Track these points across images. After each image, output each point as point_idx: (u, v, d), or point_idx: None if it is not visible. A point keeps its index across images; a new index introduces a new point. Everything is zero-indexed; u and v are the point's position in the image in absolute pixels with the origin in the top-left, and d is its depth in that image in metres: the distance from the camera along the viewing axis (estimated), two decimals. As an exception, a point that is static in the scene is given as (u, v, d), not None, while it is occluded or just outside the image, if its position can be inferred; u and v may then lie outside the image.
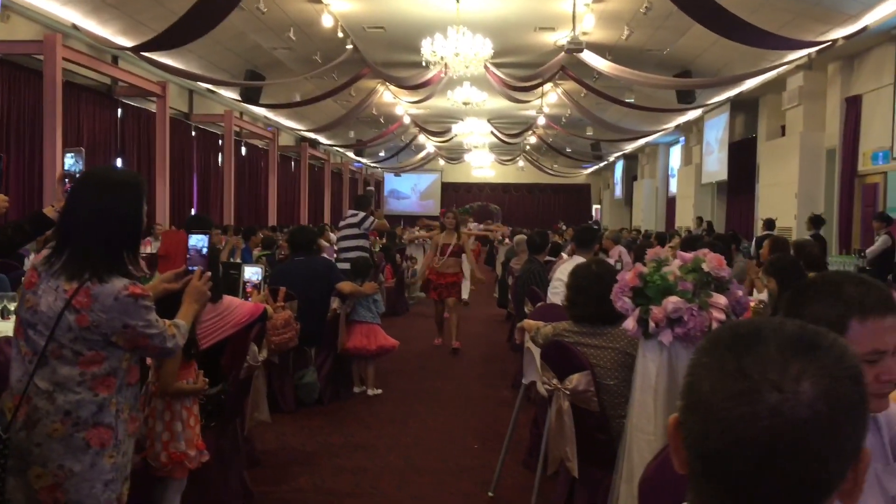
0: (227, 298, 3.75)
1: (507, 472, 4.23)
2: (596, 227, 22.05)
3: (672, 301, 2.63)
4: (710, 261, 2.70)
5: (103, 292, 2.06)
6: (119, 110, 12.72)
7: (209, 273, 2.48)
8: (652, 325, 2.68)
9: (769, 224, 11.66)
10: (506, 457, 4.11)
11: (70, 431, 2.10)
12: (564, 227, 19.70)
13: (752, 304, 3.71)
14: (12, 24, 9.42)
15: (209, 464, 3.23)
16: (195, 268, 2.47)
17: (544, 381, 3.24)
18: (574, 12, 10.47)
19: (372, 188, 25.74)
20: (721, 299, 2.65)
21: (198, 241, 2.50)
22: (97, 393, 2.12)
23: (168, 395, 3.07)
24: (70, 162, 2.57)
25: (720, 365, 0.82)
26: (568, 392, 3.08)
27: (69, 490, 2.10)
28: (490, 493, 3.97)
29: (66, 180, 2.47)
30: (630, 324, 2.75)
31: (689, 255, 2.77)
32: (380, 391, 6.06)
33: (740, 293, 2.72)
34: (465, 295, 10.03)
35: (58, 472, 2.09)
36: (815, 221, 10.34)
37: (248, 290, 4.42)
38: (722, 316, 2.63)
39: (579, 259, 5.45)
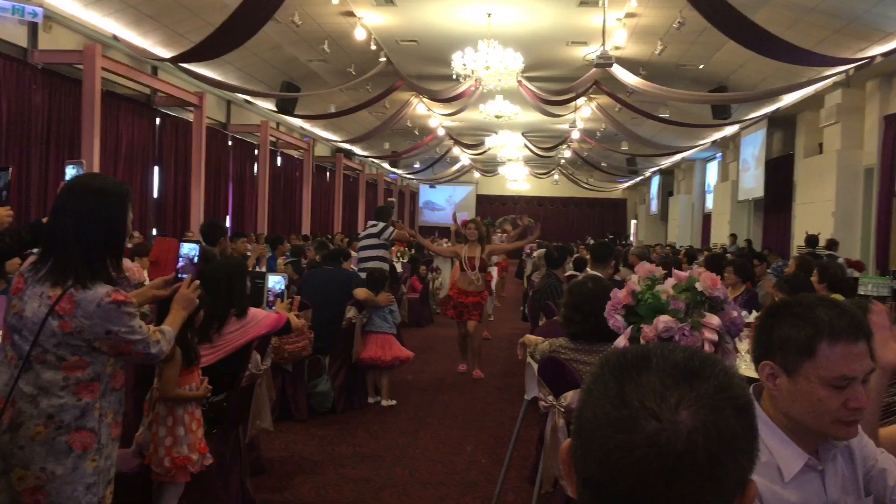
0: (252, 311, 3.81)
1: (511, 488, 4.21)
2: (625, 242, 21.84)
3: (663, 320, 2.60)
4: (704, 280, 2.66)
5: (86, 299, 2.11)
6: (157, 120, 13.00)
7: (198, 281, 2.52)
8: (643, 344, 2.65)
9: (811, 241, 11.28)
10: (509, 472, 4.08)
11: (52, 435, 2.14)
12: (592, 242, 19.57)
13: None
14: (54, 34, 9.70)
15: (209, 470, 3.27)
16: (185, 275, 2.51)
17: (540, 397, 3.22)
18: (604, 27, 10.43)
19: (393, 200, 25.80)
20: (714, 319, 2.61)
21: (190, 248, 2.55)
22: (80, 397, 2.16)
23: (169, 400, 3.12)
24: (71, 173, 2.63)
25: (604, 391, 0.81)
26: (562, 409, 3.06)
27: (51, 492, 2.14)
28: (491, 509, 3.95)
29: None
30: (622, 342, 2.72)
31: (683, 274, 2.74)
32: (394, 402, 6.08)
33: (735, 314, 2.68)
34: (488, 308, 9.88)
35: (40, 475, 2.13)
36: (809, 241, 10.29)
37: (271, 299, 4.43)
38: (714, 336, 2.59)
39: (595, 274, 5.42)
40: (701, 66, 13.36)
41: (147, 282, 2.85)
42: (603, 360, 0.85)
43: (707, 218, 22.02)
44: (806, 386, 1.50)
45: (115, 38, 10.62)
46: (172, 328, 2.40)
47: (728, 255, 11.78)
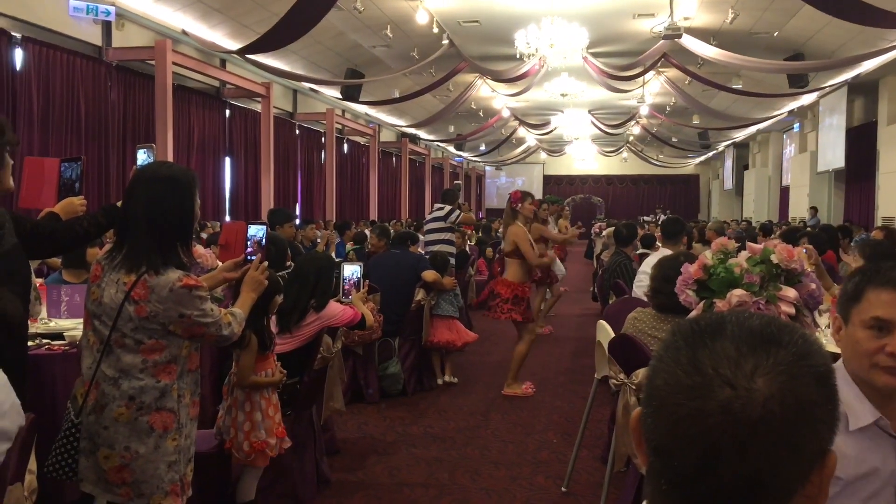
0: (331, 306, 3.87)
1: (584, 467, 4.18)
2: (695, 221, 21.26)
3: (737, 294, 2.52)
4: (780, 252, 2.56)
5: (159, 284, 2.17)
6: (227, 111, 13.31)
7: (266, 263, 2.57)
8: (716, 319, 2.57)
9: None
10: (580, 451, 4.06)
11: (135, 415, 2.22)
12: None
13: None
14: (126, 31, 10.02)
15: (285, 450, 3.34)
16: (254, 257, 2.56)
17: (611, 375, 3.17)
18: (671, -3, 10.14)
19: (459, 182, 25.69)
20: (790, 292, 2.51)
21: (257, 231, 2.60)
22: (159, 379, 2.24)
23: (244, 387, 3.19)
24: (143, 157, 2.70)
25: (676, 358, 0.78)
26: (634, 387, 3.00)
27: (135, 470, 2.23)
28: (563, 488, 3.93)
29: None
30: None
31: (757, 247, 2.64)
32: (455, 380, 6.17)
33: (814, 286, 2.57)
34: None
35: (124, 454, 2.22)
36: None
37: (346, 287, 4.43)
38: (791, 310, 2.49)
39: (666, 252, 5.30)
40: (775, 34, 12.84)
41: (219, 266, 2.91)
42: (675, 327, 0.82)
43: (785, 191, 21.29)
44: (851, 329, 1.59)
45: (184, 32, 10.90)
46: (242, 310, 2.45)
47: (808, 228, 11.39)
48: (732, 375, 0.74)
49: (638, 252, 7.45)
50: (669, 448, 0.76)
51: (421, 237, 8.56)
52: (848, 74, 14.03)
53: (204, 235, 7.45)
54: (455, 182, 26.08)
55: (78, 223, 2.51)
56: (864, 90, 15.10)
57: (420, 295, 6.00)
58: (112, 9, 9.28)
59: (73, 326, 3.59)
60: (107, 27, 9.71)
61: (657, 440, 0.78)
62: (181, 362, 2.29)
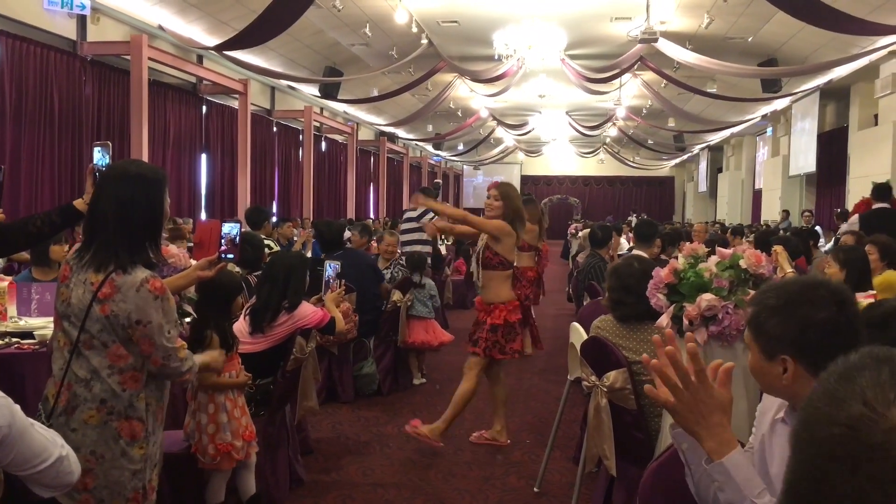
0: (303, 306, 3.85)
1: (556, 468, 4.22)
2: (670, 224, 21.33)
3: (706, 298, 2.56)
4: (749, 258, 2.61)
5: (126, 283, 2.14)
6: (203, 108, 13.20)
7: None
8: (686, 322, 2.62)
9: (842, 215, 11.18)
10: (553, 452, 4.09)
11: (104, 419, 2.19)
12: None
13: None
14: (102, 26, 9.90)
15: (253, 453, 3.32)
16: (229, 255, 2.55)
17: (583, 377, 3.20)
18: (648, 1, 10.23)
19: (440, 181, 25.54)
20: (758, 297, 2.55)
21: (231, 228, 2.59)
22: (125, 388, 2.20)
23: (208, 388, 3.16)
24: (98, 156, 2.65)
25: (834, 367, 0.81)
26: (605, 389, 3.04)
27: (98, 475, 2.19)
28: (536, 489, 3.96)
29: (97, 174, 2.56)
30: (664, 321, 2.69)
31: (727, 252, 2.69)
32: (425, 380, 6.26)
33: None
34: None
35: (89, 458, 2.17)
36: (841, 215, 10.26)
37: (332, 286, 4.39)
38: (759, 314, 2.54)
39: (639, 254, 5.36)
40: (749, 39, 13.00)
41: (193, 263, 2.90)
42: (861, 349, 0.83)
43: (757, 194, 21.55)
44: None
45: (160, 27, 10.80)
46: (201, 362, 2.48)
47: (782, 231, 11.54)
48: (872, 395, 0.75)
49: (617, 254, 7.50)
50: (792, 445, 0.79)
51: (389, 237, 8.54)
52: (820, 80, 14.24)
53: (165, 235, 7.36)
54: (435, 181, 26.00)
55: (31, 222, 2.46)
56: (835, 96, 15.33)
57: (396, 296, 6.00)
58: (87, 2, 9.17)
59: (43, 325, 3.56)
60: (82, 21, 9.58)
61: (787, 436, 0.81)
62: (146, 371, 2.25)
